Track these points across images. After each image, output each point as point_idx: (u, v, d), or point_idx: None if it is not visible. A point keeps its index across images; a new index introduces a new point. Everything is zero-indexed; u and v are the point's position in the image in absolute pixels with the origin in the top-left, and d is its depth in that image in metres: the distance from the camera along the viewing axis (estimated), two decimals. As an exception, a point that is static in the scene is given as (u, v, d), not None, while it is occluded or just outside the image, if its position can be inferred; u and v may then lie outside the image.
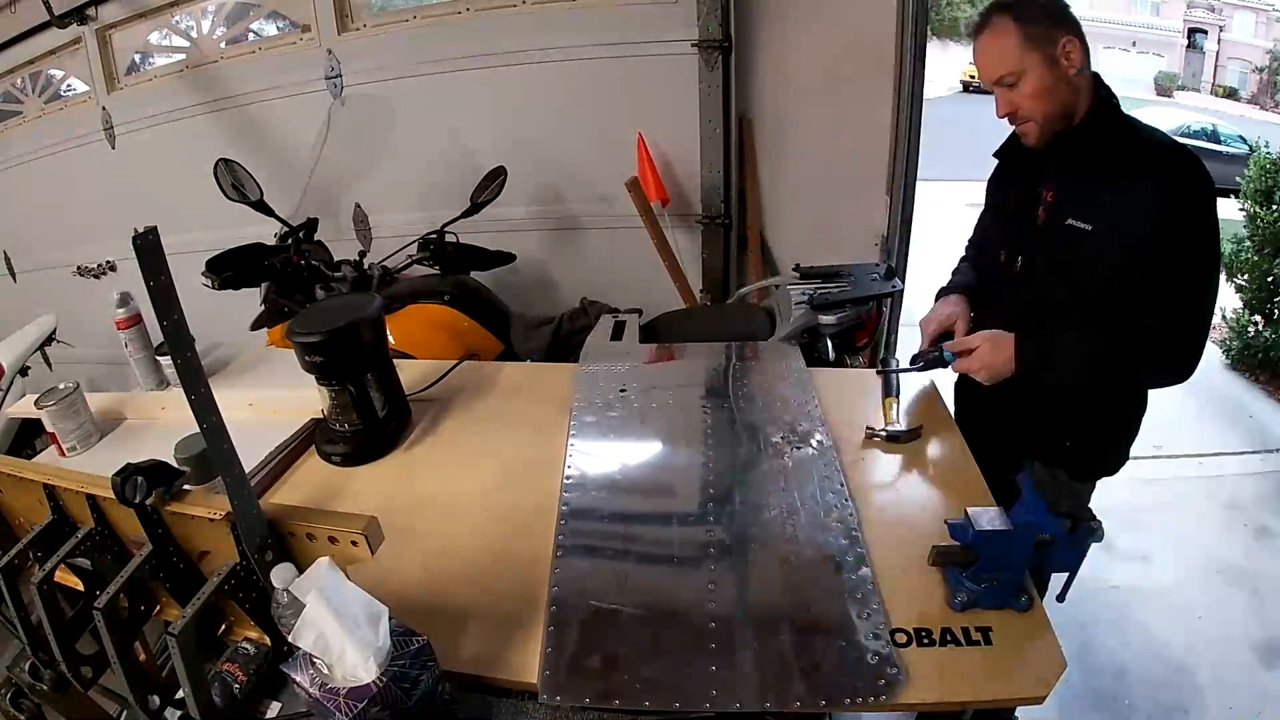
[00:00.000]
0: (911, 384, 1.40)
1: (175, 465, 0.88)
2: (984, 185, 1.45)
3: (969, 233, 1.59)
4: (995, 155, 1.41)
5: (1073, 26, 1.18)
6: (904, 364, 1.39)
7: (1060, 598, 1.00)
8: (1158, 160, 1.16)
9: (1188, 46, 18.81)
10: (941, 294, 1.46)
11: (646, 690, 0.83)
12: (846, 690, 0.81)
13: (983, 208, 1.49)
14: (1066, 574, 0.94)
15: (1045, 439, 1.39)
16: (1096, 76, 1.23)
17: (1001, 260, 1.36)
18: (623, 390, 1.42)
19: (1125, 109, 1.24)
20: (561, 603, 0.94)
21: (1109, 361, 1.22)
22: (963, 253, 1.58)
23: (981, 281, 1.45)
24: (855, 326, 1.82)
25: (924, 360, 1.35)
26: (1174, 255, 1.14)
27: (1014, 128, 1.27)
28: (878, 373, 1.41)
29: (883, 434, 1.24)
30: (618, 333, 1.74)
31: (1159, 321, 1.16)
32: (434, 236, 2.14)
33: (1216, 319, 2.70)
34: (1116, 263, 1.17)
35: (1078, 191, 1.23)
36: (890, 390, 1.35)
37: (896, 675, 0.82)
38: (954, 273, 1.53)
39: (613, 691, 0.83)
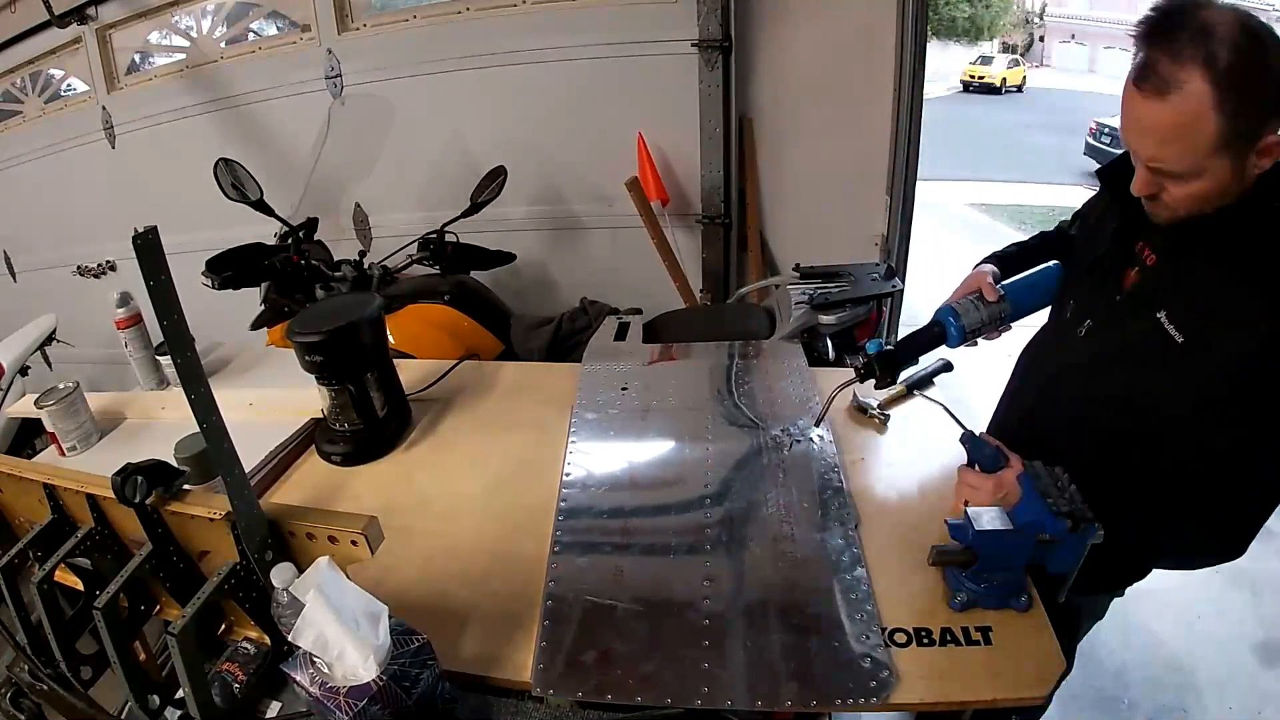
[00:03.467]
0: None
1: (175, 465, 0.88)
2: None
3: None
4: (1097, 175, 1.09)
5: None
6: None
7: (1060, 597, 1.00)
8: None
9: (1188, 46, 18.79)
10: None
11: (640, 686, 0.83)
12: (839, 691, 0.81)
13: (1082, 210, 1.22)
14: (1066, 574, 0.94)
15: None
16: None
17: (1067, 314, 1.10)
18: (624, 389, 1.42)
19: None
20: (557, 598, 0.94)
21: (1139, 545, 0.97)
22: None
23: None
24: (855, 326, 1.82)
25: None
26: (1266, 400, 0.84)
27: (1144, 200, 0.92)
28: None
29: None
30: (621, 334, 1.74)
31: (1218, 482, 0.90)
32: (434, 236, 2.13)
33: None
34: (1200, 394, 0.89)
35: (1184, 282, 0.91)
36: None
37: (889, 677, 0.82)
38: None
39: (606, 687, 0.83)
